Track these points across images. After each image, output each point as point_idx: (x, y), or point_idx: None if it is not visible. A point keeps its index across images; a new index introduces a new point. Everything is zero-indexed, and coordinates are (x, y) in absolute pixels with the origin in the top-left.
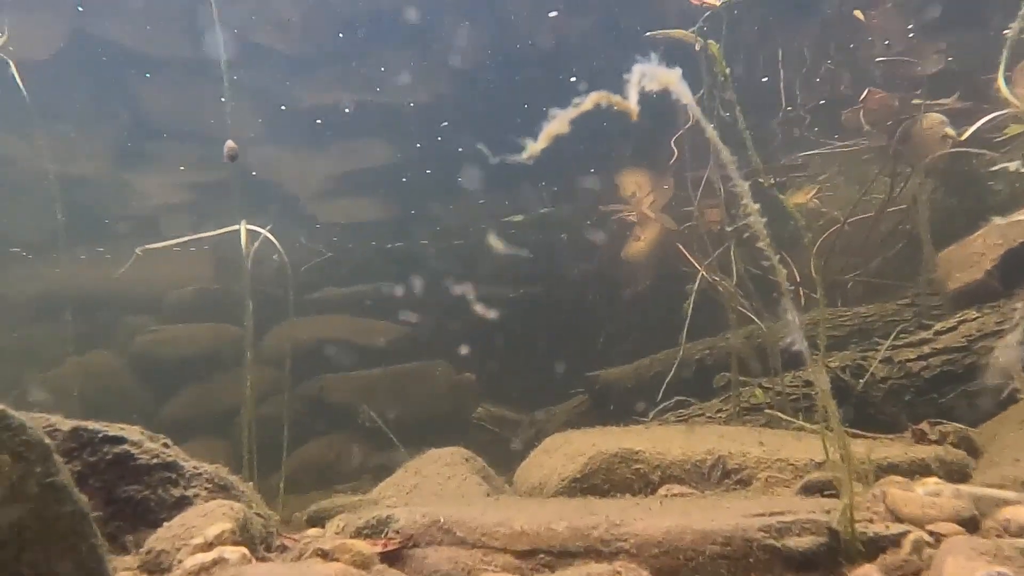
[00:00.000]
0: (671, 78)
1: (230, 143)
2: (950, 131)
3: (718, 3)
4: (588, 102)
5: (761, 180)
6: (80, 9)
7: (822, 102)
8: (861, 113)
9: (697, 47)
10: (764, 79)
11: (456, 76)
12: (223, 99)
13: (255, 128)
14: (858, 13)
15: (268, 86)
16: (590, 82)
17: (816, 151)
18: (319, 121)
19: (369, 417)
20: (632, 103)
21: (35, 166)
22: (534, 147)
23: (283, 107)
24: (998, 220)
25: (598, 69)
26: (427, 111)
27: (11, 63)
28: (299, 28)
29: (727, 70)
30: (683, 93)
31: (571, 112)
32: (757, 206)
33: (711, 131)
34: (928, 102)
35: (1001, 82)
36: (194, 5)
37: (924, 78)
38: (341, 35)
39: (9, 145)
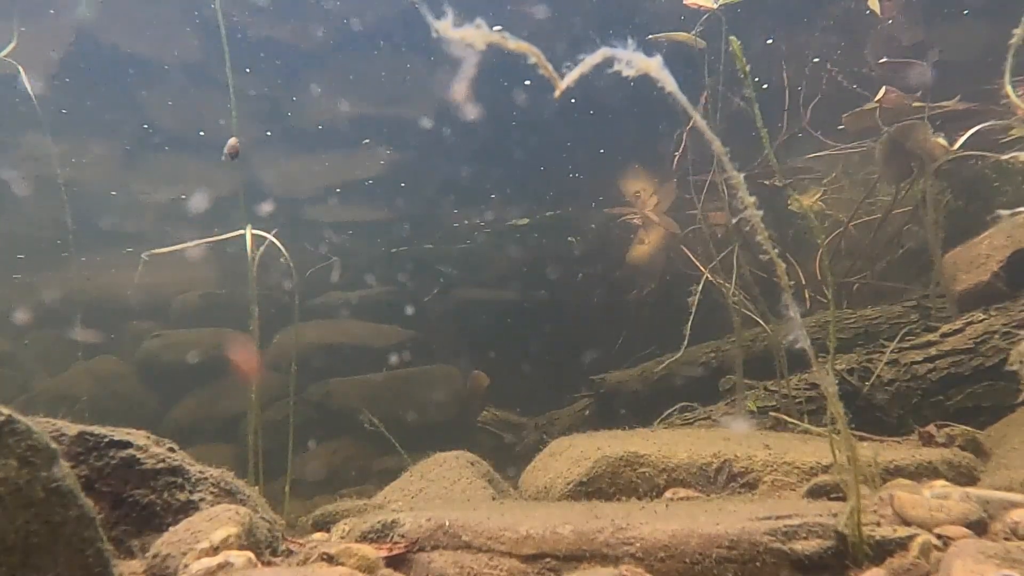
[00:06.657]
0: (651, 65)
1: (232, 141)
2: (942, 141)
3: (715, 5)
4: (537, 58)
5: (766, 182)
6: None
7: (826, 103)
8: (877, 112)
9: (699, 47)
10: (768, 47)
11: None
12: (229, 103)
13: (262, 132)
14: (873, 2)
15: (274, 90)
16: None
17: (821, 153)
18: (320, 127)
19: (370, 422)
20: (563, 80)
21: (43, 173)
22: (473, 39)
23: (289, 113)
24: (1003, 212)
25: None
26: (428, 115)
27: (20, 69)
28: (308, 31)
29: (747, 67)
30: (666, 80)
31: (524, 45)
32: (754, 199)
33: (699, 119)
34: (931, 104)
35: (1008, 86)
36: (199, 11)
37: (929, 79)
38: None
39: (16, 152)
